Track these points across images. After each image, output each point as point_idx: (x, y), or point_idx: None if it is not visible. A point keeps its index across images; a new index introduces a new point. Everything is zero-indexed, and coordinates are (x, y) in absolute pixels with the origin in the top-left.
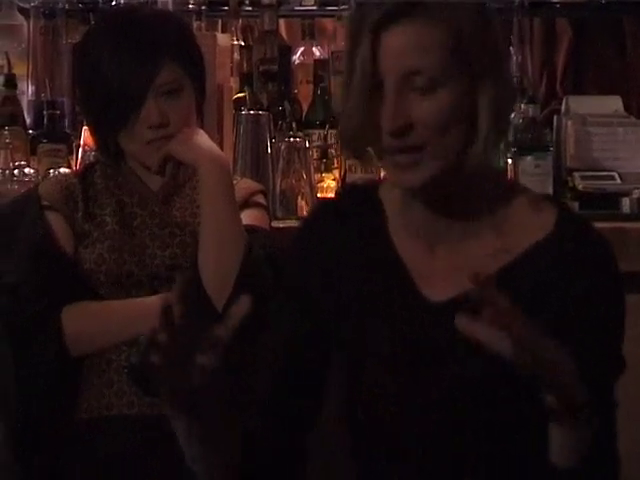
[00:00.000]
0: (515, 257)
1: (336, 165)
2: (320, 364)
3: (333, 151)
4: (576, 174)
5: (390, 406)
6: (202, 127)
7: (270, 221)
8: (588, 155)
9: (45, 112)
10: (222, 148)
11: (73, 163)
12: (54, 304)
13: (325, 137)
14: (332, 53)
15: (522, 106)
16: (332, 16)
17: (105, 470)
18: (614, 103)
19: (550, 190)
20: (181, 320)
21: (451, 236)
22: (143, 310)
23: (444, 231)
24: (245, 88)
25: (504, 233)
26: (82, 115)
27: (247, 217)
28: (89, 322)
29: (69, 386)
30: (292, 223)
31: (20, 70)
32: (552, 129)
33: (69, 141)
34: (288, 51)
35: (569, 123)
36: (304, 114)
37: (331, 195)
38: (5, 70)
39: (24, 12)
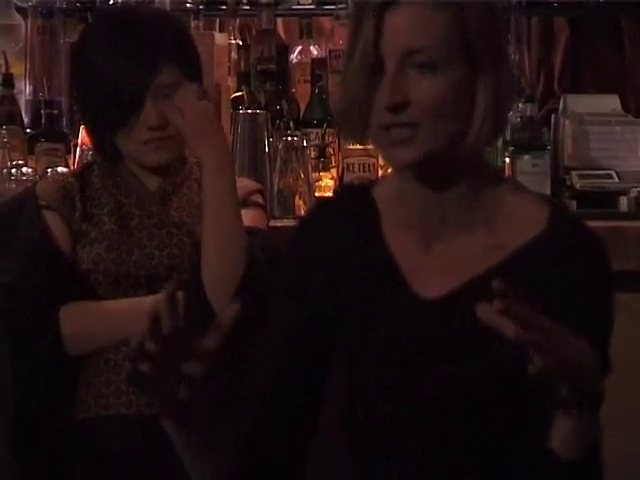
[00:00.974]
0: (508, 254)
1: (334, 164)
2: (319, 362)
3: (331, 150)
4: (574, 173)
5: (386, 404)
6: None
7: (268, 220)
8: (586, 154)
9: (43, 111)
10: None
11: (71, 162)
12: (52, 304)
13: (323, 136)
14: (330, 52)
15: (520, 105)
16: (330, 15)
17: (103, 469)
18: (612, 102)
19: (548, 189)
20: (170, 329)
21: (444, 233)
22: (141, 310)
23: (437, 228)
24: (243, 87)
25: (497, 230)
26: (79, 115)
27: (245, 217)
28: (87, 322)
29: (67, 385)
30: (290, 222)
31: (18, 69)
32: (550, 128)
33: (67, 140)
34: (286, 50)
35: (567, 122)
36: (302, 113)
37: (329, 194)
38: (3, 69)
39: (22, 11)
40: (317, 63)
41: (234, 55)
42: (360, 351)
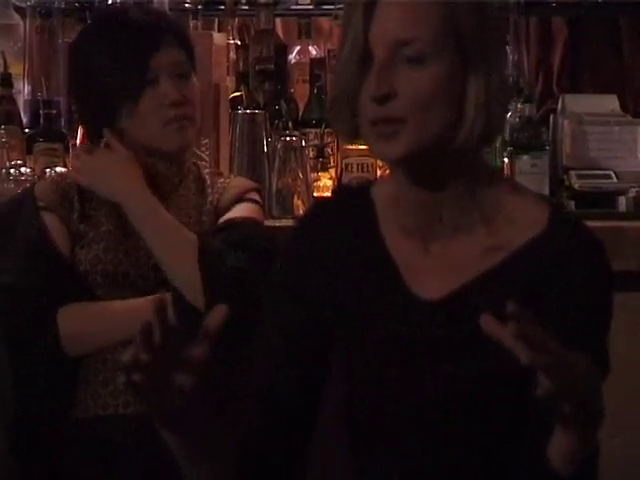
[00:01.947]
0: (508, 254)
1: (332, 164)
2: (317, 363)
3: (329, 150)
4: (572, 173)
5: (386, 405)
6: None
7: (265, 217)
8: (584, 154)
9: (41, 111)
10: (218, 147)
11: (69, 162)
12: (51, 304)
13: (321, 136)
14: (328, 52)
15: (518, 105)
16: (328, 15)
17: (102, 469)
18: (610, 102)
19: (546, 189)
20: (162, 339)
21: (443, 234)
22: (139, 311)
23: (435, 229)
24: (241, 87)
25: (496, 230)
26: (77, 114)
27: (242, 210)
28: (85, 323)
29: (66, 385)
30: (288, 222)
31: (16, 69)
32: (548, 128)
33: (65, 140)
34: (284, 50)
35: (565, 122)
36: (300, 113)
37: (327, 194)
38: (1, 69)
39: (20, 11)
40: (316, 63)
41: (233, 55)
42: (359, 352)
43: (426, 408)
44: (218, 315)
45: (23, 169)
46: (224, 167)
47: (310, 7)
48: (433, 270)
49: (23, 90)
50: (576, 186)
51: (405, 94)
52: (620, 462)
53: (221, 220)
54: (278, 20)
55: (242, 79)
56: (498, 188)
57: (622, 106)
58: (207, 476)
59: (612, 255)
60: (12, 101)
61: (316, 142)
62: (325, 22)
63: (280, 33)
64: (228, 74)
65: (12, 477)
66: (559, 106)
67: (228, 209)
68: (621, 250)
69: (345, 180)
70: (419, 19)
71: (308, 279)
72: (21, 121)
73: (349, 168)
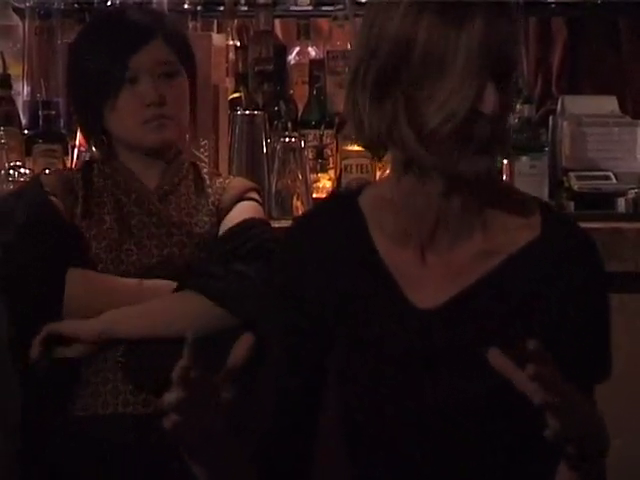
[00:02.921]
0: (503, 260)
1: (332, 165)
2: (318, 373)
3: (329, 151)
4: (572, 174)
5: (385, 414)
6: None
7: (265, 216)
8: (584, 155)
9: (40, 112)
10: (217, 148)
11: (68, 163)
12: (57, 269)
13: (321, 137)
14: (327, 53)
15: (517, 106)
16: (328, 16)
17: (101, 468)
18: (610, 103)
19: (546, 190)
20: (196, 375)
21: (444, 241)
22: (140, 289)
23: (431, 235)
24: (241, 88)
25: (491, 235)
26: (72, 108)
27: (241, 209)
28: (94, 288)
29: (66, 380)
30: (287, 223)
31: (15, 70)
32: (547, 129)
33: (64, 141)
34: (283, 51)
35: (565, 123)
36: (299, 114)
37: (326, 195)
38: (0, 70)
39: (19, 12)
40: (315, 64)
41: (232, 56)
42: (358, 362)
43: (425, 417)
44: (245, 345)
45: (22, 170)
46: (223, 168)
47: (309, 8)
48: (429, 278)
49: (22, 91)
50: (575, 187)
51: (504, 110)
52: (622, 463)
53: (224, 223)
54: (277, 21)
55: (241, 80)
56: (492, 192)
57: (621, 107)
58: None
59: (611, 256)
60: (11, 102)
61: (315, 143)
62: (324, 23)
63: (279, 34)
64: (227, 75)
65: (12, 477)
66: (558, 107)
67: (229, 209)
68: (620, 251)
69: (344, 181)
70: (509, 37)
71: (303, 293)
72: (20, 122)
73: (348, 169)
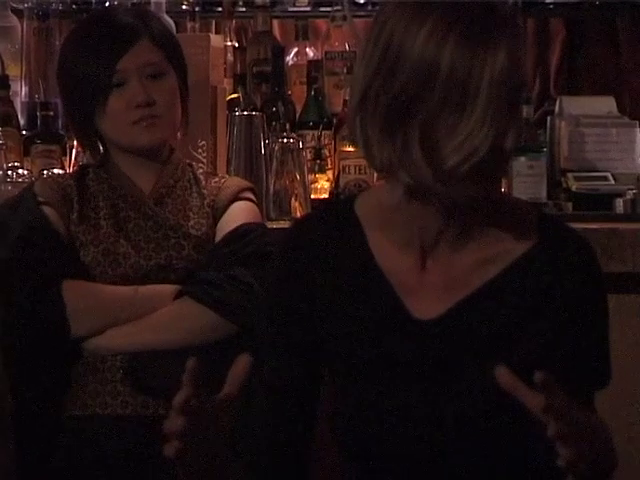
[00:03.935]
0: (502, 269)
1: (330, 166)
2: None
3: (327, 152)
4: (570, 175)
5: (383, 425)
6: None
7: (262, 217)
8: (582, 156)
9: (39, 113)
10: (216, 149)
11: (66, 164)
12: (54, 278)
13: (319, 138)
14: (326, 54)
15: None
16: (326, 17)
17: (99, 468)
18: (608, 104)
19: (544, 191)
20: (197, 403)
21: (442, 249)
22: (136, 296)
23: (429, 244)
24: (239, 89)
25: (489, 243)
26: (64, 112)
27: (237, 209)
28: (91, 299)
29: (64, 378)
30: (285, 224)
31: (14, 71)
32: (546, 130)
33: (63, 142)
34: (282, 52)
35: (563, 124)
36: (298, 115)
37: (325, 196)
38: None
39: (18, 13)
40: (313, 65)
41: (230, 57)
42: (356, 373)
43: (423, 428)
44: (241, 367)
45: (20, 171)
46: (221, 169)
47: (307, 9)
48: (428, 287)
49: (20, 92)
50: (573, 188)
51: None
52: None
53: (220, 225)
54: (275, 22)
55: (239, 81)
56: (489, 199)
57: (619, 108)
58: None
59: (609, 257)
60: (9, 103)
61: (313, 144)
62: (322, 24)
63: (277, 35)
64: (225, 76)
65: (10, 477)
66: (556, 108)
67: (224, 210)
68: (618, 252)
69: (342, 182)
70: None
71: (299, 304)
72: (18, 123)
73: (346, 170)
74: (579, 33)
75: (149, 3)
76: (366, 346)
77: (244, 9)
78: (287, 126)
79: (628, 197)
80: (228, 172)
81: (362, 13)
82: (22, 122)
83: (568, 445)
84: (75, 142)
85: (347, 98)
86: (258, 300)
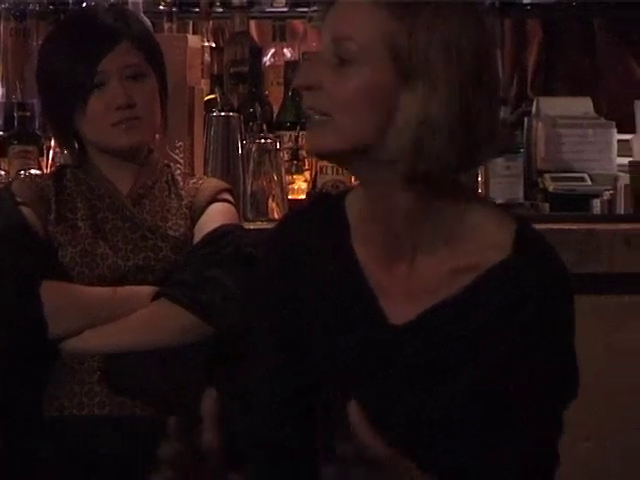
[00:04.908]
0: (474, 278)
1: (307, 167)
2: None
3: (304, 153)
4: (547, 175)
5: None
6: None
7: (239, 218)
8: (559, 157)
9: (16, 114)
10: (193, 150)
11: (44, 165)
12: (32, 279)
13: (296, 139)
14: (303, 54)
15: None
16: (303, 17)
17: (76, 468)
18: (584, 105)
19: (521, 192)
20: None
21: (405, 253)
22: (114, 297)
23: (397, 247)
24: (216, 90)
25: (462, 251)
26: (43, 113)
27: (214, 211)
28: (69, 300)
29: (41, 378)
30: (263, 225)
31: None
32: (523, 131)
33: (40, 143)
34: (259, 52)
35: (540, 125)
36: (275, 116)
37: (302, 197)
38: None
39: None
40: (290, 65)
41: (207, 57)
42: (331, 373)
43: (397, 431)
44: (210, 402)
45: None
46: (199, 170)
47: (285, 10)
48: (401, 292)
49: None
50: (550, 188)
51: (329, 90)
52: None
53: (198, 226)
54: (252, 22)
55: (216, 82)
56: (462, 205)
57: (596, 109)
58: None
59: (586, 258)
60: None
61: (291, 145)
62: (300, 24)
63: (255, 35)
64: (202, 77)
65: None
66: (533, 109)
67: (202, 211)
68: (594, 253)
69: (320, 182)
70: (356, 21)
71: (284, 303)
72: None
73: (324, 170)
74: (556, 34)
75: (127, 3)
76: (344, 348)
77: (221, 10)
78: (264, 127)
79: (605, 198)
80: (205, 173)
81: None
82: None
83: None
84: (52, 143)
85: None
86: (246, 300)
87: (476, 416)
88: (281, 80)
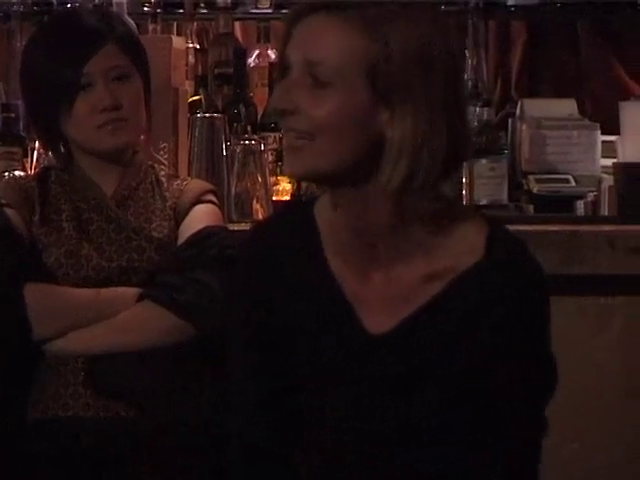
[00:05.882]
0: (447, 283)
1: None
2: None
3: None
4: (531, 177)
5: (337, 439)
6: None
7: (224, 219)
8: (543, 158)
9: (0, 115)
10: (177, 151)
11: (28, 166)
12: (16, 280)
13: (280, 140)
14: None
15: (477, 109)
16: None
17: (60, 470)
18: (568, 106)
19: (505, 193)
20: None
21: (381, 262)
22: (98, 298)
23: (373, 257)
24: (200, 91)
25: (436, 258)
26: (28, 114)
27: (198, 212)
28: (53, 301)
29: (26, 380)
30: (247, 226)
31: None
32: (507, 132)
33: (24, 144)
34: (243, 54)
35: (524, 126)
36: (259, 117)
37: (286, 198)
38: None
39: None
40: (275, 67)
41: (192, 59)
42: (311, 386)
43: (374, 439)
44: None
45: None
46: (183, 171)
47: (269, 11)
48: (378, 301)
49: None
50: (534, 190)
51: (307, 111)
52: (578, 466)
53: (182, 228)
54: (237, 24)
55: (201, 83)
56: (436, 211)
57: (580, 110)
58: None
59: (570, 259)
60: None
61: (275, 146)
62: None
63: (239, 37)
64: (187, 78)
65: None
66: (517, 110)
67: (186, 212)
68: (578, 254)
69: (304, 184)
70: (327, 44)
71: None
72: None
73: None
74: (540, 36)
75: (111, 5)
76: (322, 354)
77: (206, 11)
78: (249, 128)
79: (589, 199)
80: (190, 174)
81: None
82: None
83: None
84: (37, 144)
85: None
86: (224, 302)
87: (457, 420)
88: (265, 81)
